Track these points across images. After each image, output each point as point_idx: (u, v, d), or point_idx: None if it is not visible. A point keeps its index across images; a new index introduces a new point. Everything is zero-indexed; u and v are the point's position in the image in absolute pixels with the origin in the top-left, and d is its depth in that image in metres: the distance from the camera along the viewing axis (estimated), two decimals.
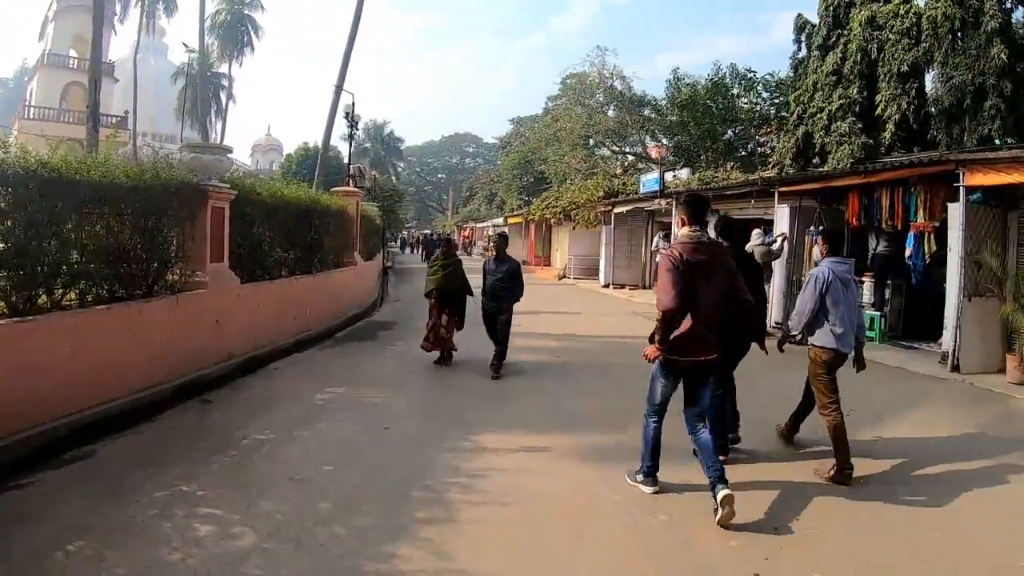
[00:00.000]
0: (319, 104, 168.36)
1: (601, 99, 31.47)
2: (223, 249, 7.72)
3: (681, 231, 4.21)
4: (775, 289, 11.25)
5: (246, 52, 39.62)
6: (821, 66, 17.94)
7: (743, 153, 24.38)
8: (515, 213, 37.38)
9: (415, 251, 46.79)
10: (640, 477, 4.31)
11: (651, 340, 4.11)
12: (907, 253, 9.26)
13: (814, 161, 17.53)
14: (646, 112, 27.62)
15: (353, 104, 15.78)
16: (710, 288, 3.98)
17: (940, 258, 9.14)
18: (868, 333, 10.39)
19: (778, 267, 11.08)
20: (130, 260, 6.30)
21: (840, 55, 17.32)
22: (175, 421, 5.72)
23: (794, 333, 4.93)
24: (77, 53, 38.93)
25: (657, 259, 16.13)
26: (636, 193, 18.64)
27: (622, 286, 19.32)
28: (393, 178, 66.60)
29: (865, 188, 10.02)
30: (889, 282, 10.69)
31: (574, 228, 24.45)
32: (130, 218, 6.30)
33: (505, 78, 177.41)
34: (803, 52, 19.84)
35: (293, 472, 4.45)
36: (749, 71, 23.53)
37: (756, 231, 11.19)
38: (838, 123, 16.58)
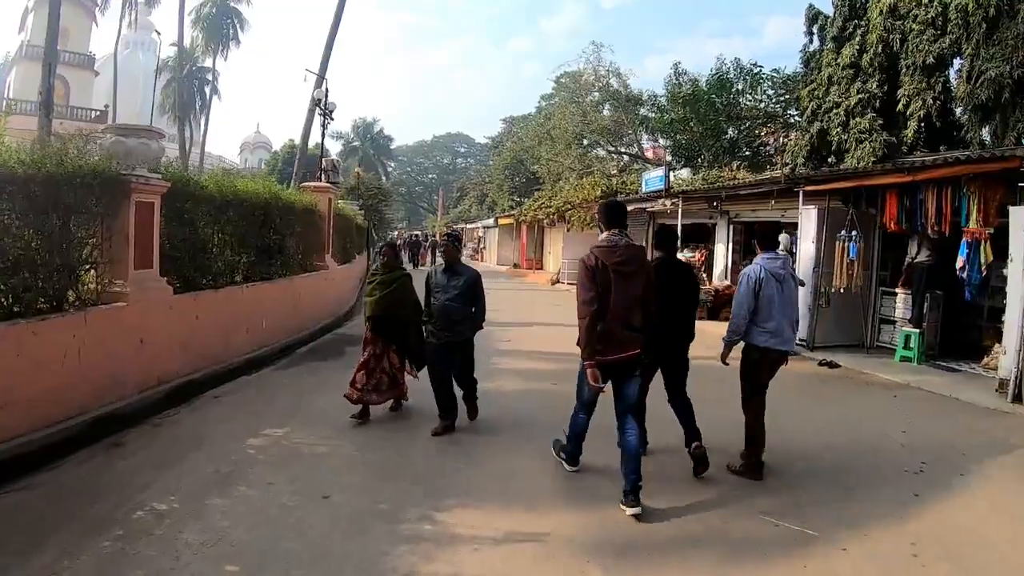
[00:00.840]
0: (306, 100, 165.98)
1: (597, 97, 30.29)
2: (151, 253, 6.38)
3: (600, 236, 4.27)
4: (800, 304, 9.97)
5: (231, 46, 38.17)
6: (837, 59, 16.74)
7: (747, 152, 23.16)
8: (506, 214, 36.02)
9: (403, 252, 45.34)
10: (564, 456, 4.72)
11: (578, 344, 4.12)
12: (959, 264, 8.00)
13: (830, 160, 16.33)
14: (643, 110, 26.40)
15: (327, 92, 14.33)
16: (628, 288, 4.06)
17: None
18: (905, 352, 9.19)
19: (803, 279, 9.80)
20: (30, 267, 4.98)
21: (857, 47, 16.08)
22: (69, 474, 4.42)
23: (735, 338, 4.69)
24: (58, 45, 37.39)
25: None
26: (636, 193, 17.36)
27: None
28: (383, 177, 65.37)
29: (907, 188, 8.77)
30: (927, 295, 9.45)
31: (568, 230, 23.16)
32: (27, 215, 4.99)
33: (496, 79, 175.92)
34: (815, 45, 18.65)
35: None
36: (755, 65, 22.26)
37: (783, 236, 9.92)
38: (856, 119, 15.32)
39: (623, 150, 30.81)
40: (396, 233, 61.10)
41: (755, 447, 4.62)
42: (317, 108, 13.74)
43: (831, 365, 8.76)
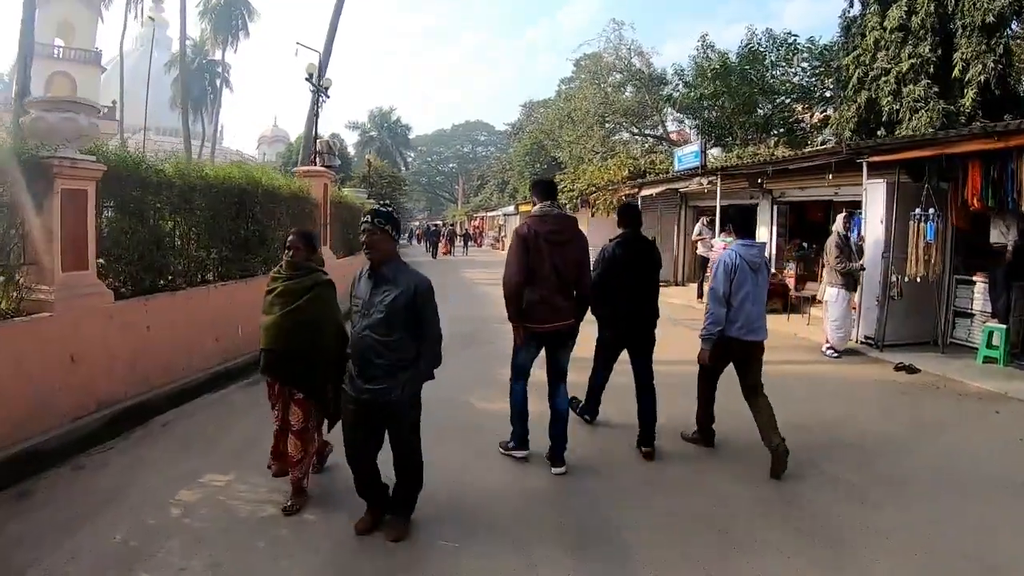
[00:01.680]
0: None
1: (619, 78, 28.74)
2: (85, 252, 5.27)
3: (533, 209, 4.31)
4: (864, 293, 8.59)
5: (240, 36, 37.11)
6: (883, 22, 15.13)
7: (781, 129, 21.47)
8: (527, 200, 34.70)
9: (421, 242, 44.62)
10: (512, 445, 4.48)
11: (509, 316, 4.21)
12: None
13: (879, 132, 14.80)
14: (669, 88, 24.74)
15: (321, 67, 12.93)
16: (562, 256, 4.13)
17: None
18: (988, 352, 7.77)
19: (870, 267, 8.43)
20: None
21: (905, 8, 14.47)
22: None
23: (715, 331, 4.39)
24: (64, 41, 36.94)
25: (699, 250, 13.55)
26: (667, 172, 15.92)
27: None
28: (402, 167, 64.24)
29: (994, 157, 7.32)
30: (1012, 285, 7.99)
31: (592, 215, 21.75)
32: None
33: (512, 67, 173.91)
34: (855, 9, 17.02)
35: None
36: (789, 35, 20.57)
37: (840, 217, 8.54)
38: (909, 87, 13.78)
39: (647, 132, 29.25)
40: (418, 223, 60.36)
41: (706, 414, 4.78)
42: (309, 84, 12.49)
43: (909, 369, 7.39)
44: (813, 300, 10.61)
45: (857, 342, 8.76)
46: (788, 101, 22.16)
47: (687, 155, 14.11)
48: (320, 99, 13.02)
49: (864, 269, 8.38)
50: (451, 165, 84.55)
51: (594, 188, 17.87)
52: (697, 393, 4.77)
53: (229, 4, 36.26)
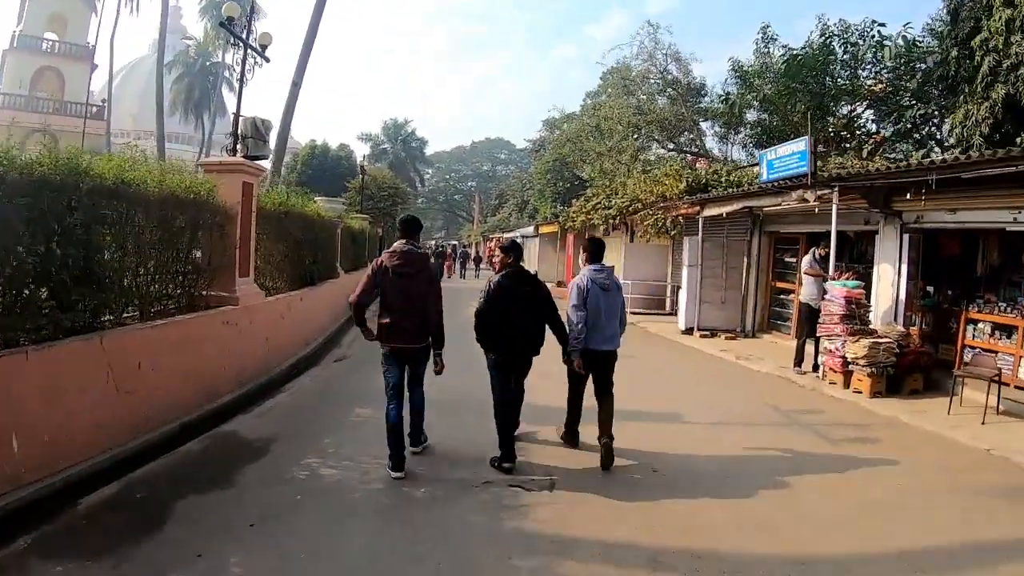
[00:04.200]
0: (336, 101, 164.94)
1: (654, 86, 25.10)
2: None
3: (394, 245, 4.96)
4: None
5: (244, 36, 34.06)
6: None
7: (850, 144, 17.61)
8: (549, 221, 31.03)
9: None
10: (389, 464, 4.68)
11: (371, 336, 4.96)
12: None
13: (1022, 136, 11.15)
14: (719, 89, 20.94)
15: (251, 7, 9.75)
16: (407, 287, 4.76)
17: None
18: None
19: None
20: None
21: None
22: None
23: (577, 343, 5.10)
24: (56, 34, 34.38)
25: (804, 295, 9.66)
26: (738, 186, 12.12)
27: (713, 332, 12.59)
28: (418, 183, 60.87)
29: None
30: None
31: (633, 238, 17.99)
32: None
33: (539, 86, 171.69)
34: None
35: None
36: (874, 23, 16.72)
37: None
38: None
39: (685, 149, 25.43)
40: (435, 243, 56.96)
41: (573, 419, 5.46)
42: (223, 28, 8.93)
43: None
44: (994, 379, 6.83)
45: None
46: (860, 110, 18.50)
47: (784, 159, 10.05)
48: (252, 59, 9.62)
49: None
50: (470, 183, 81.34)
51: (640, 205, 14.11)
52: (567, 399, 5.47)
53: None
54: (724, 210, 11.14)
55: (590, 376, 5.22)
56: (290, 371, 7.69)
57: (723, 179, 13.46)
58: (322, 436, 5.57)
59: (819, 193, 8.55)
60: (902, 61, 16.94)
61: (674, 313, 16.02)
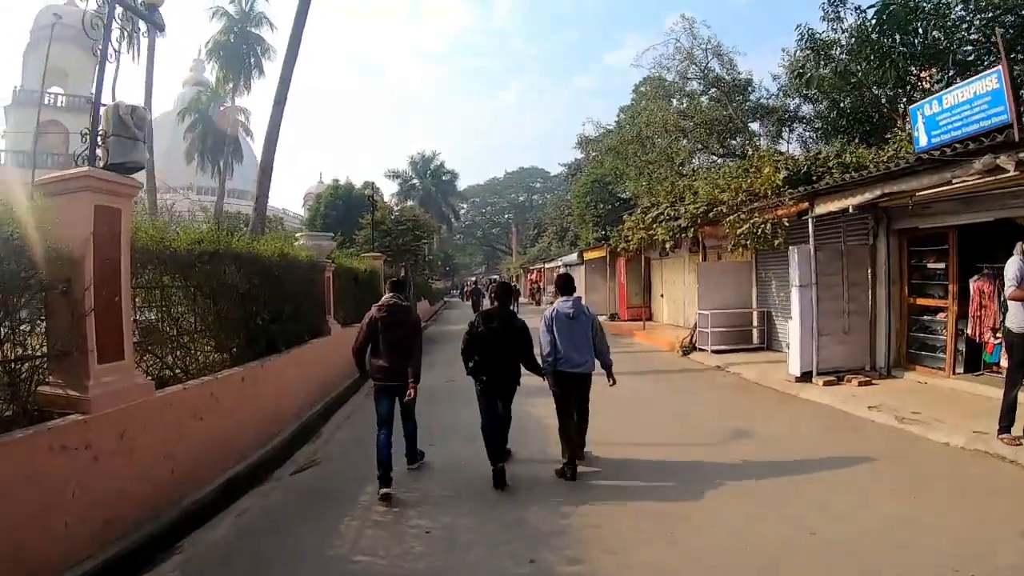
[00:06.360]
0: (366, 143, 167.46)
1: (695, 87, 22.12)
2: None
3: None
4: None
5: (255, 76, 32.44)
6: None
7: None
8: (594, 246, 27.97)
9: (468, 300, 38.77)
10: (378, 483, 5.21)
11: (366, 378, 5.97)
12: None
13: None
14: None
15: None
16: (392, 335, 5.52)
17: None
18: None
19: None
20: None
21: None
22: None
23: (549, 369, 5.75)
24: (60, 87, 33.77)
25: (1011, 321, 6.33)
26: (861, 168, 8.80)
27: (839, 375, 9.10)
28: (452, 218, 58.59)
29: None
30: None
31: (704, 257, 14.88)
32: None
33: (562, 113, 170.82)
34: None
35: None
36: None
37: None
38: None
39: (736, 152, 22.18)
40: (475, 279, 54.56)
41: (569, 451, 5.67)
42: None
43: None
44: None
45: None
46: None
47: (958, 110, 6.50)
48: (131, 30, 7.02)
49: None
50: (507, 216, 78.97)
51: (725, 208, 10.79)
52: (558, 430, 5.87)
53: (240, 41, 31.69)
54: (850, 203, 7.87)
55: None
56: (209, 504, 4.88)
57: (831, 163, 10.18)
58: None
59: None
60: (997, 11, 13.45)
61: (764, 347, 12.87)
